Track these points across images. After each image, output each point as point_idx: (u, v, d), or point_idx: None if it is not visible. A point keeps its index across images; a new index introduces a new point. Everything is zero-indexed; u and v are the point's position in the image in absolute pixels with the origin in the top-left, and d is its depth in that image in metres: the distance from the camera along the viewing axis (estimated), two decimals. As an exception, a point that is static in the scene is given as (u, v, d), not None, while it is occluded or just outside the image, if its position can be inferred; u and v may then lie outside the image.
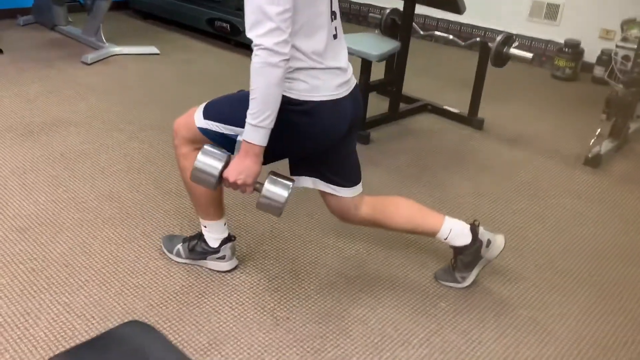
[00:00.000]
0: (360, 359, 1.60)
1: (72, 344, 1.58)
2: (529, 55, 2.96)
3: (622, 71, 3.87)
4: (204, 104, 1.70)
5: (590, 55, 4.20)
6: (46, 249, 1.97)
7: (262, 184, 1.55)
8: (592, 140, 2.80)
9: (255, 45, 1.37)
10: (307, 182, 1.75)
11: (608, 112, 2.80)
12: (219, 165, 1.53)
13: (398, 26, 3.40)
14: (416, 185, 2.58)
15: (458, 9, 2.86)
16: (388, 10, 3.38)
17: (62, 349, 1.57)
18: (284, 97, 1.46)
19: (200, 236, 1.91)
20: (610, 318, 1.83)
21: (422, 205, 1.88)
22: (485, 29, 4.70)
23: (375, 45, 2.87)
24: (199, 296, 1.81)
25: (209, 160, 1.54)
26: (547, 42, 4.41)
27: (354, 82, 1.64)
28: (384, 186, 2.54)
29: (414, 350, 1.65)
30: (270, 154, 1.53)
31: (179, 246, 1.95)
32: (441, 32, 4.06)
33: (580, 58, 4.17)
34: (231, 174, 1.51)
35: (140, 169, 2.56)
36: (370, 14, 3.61)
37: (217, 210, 1.84)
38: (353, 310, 1.78)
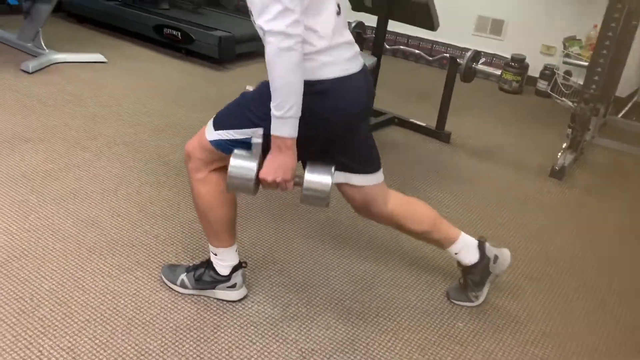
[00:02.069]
0: (396, 387, 1.57)
1: (88, 395, 1.43)
2: (498, 71, 3.06)
3: (564, 85, 4.13)
4: (212, 118, 1.61)
5: (533, 69, 4.44)
6: (32, 285, 1.78)
7: (302, 177, 1.46)
8: (559, 154, 2.95)
9: (266, 32, 1.28)
10: None
11: (573, 127, 2.96)
12: (253, 166, 1.44)
13: (363, 39, 3.43)
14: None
15: (432, 26, 2.92)
16: (353, 24, 3.39)
17: (77, 402, 1.41)
18: None
19: (207, 264, 1.80)
20: (606, 327, 1.92)
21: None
22: (432, 42, 4.84)
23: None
24: (214, 330, 1.70)
25: (243, 164, 1.45)
26: (493, 55, 4.61)
27: (361, 58, 1.55)
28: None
29: (445, 374, 1.64)
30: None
31: (183, 276, 1.82)
32: (388, 43, 4.13)
33: (526, 72, 4.40)
34: (268, 174, 1.42)
35: (116, 190, 2.38)
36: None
37: (231, 235, 1.74)
38: (377, 336, 1.75)
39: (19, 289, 1.75)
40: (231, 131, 1.53)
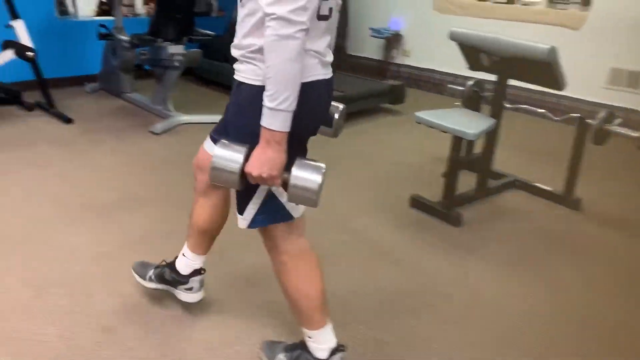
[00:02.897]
0: None
1: None
2: (636, 133, 2.73)
3: None
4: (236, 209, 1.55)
5: (679, 125, 3.95)
6: (138, 354, 1.79)
7: (289, 173, 1.35)
8: None
9: (268, 15, 1.20)
10: None
11: None
12: (239, 158, 1.34)
13: (480, 98, 3.26)
14: (523, 279, 2.33)
15: (558, 86, 2.69)
16: (471, 82, 3.24)
17: None
18: (247, 85, 1.34)
19: (303, 345, 1.70)
20: None
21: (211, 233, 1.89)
22: (559, 96, 4.52)
23: (470, 122, 2.70)
24: (311, 421, 1.58)
25: (227, 155, 1.35)
26: (630, 111, 4.19)
27: (330, 68, 1.45)
28: (485, 278, 2.31)
29: None
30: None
31: (281, 356, 1.74)
32: (509, 101, 3.89)
33: (671, 129, 3.92)
34: (254, 168, 1.32)
35: (223, 253, 2.38)
36: (450, 85, 3.47)
37: (323, 314, 1.64)
38: None
39: (122, 358, 1.78)
40: (256, 201, 1.47)
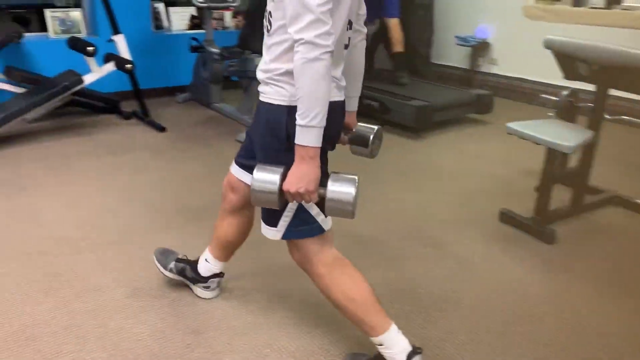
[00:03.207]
0: None
1: None
2: None
3: None
4: (262, 222, 1.62)
5: None
6: (221, 358, 1.83)
7: (325, 188, 1.44)
8: None
9: (296, 41, 1.31)
10: None
11: None
12: (276, 179, 1.42)
13: (576, 109, 3.08)
14: (624, 302, 2.17)
15: (666, 95, 2.49)
16: (565, 92, 3.07)
17: None
18: (273, 106, 1.44)
19: (381, 357, 1.66)
20: None
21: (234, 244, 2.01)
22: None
23: (566, 134, 2.56)
24: None
25: (265, 177, 1.43)
26: None
27: (344, 91, 1.55)
28: (580, 299, 2.16)
29: None
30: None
31: (363, 364, 1.72)
32: (608, 112, 3.64)
33: None
34: (291, 185, 1.40)
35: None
36: (542, 95, 3.32)
37: (380, 316, 1.61)
38: None
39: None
40: (288, 213, 1.54)
